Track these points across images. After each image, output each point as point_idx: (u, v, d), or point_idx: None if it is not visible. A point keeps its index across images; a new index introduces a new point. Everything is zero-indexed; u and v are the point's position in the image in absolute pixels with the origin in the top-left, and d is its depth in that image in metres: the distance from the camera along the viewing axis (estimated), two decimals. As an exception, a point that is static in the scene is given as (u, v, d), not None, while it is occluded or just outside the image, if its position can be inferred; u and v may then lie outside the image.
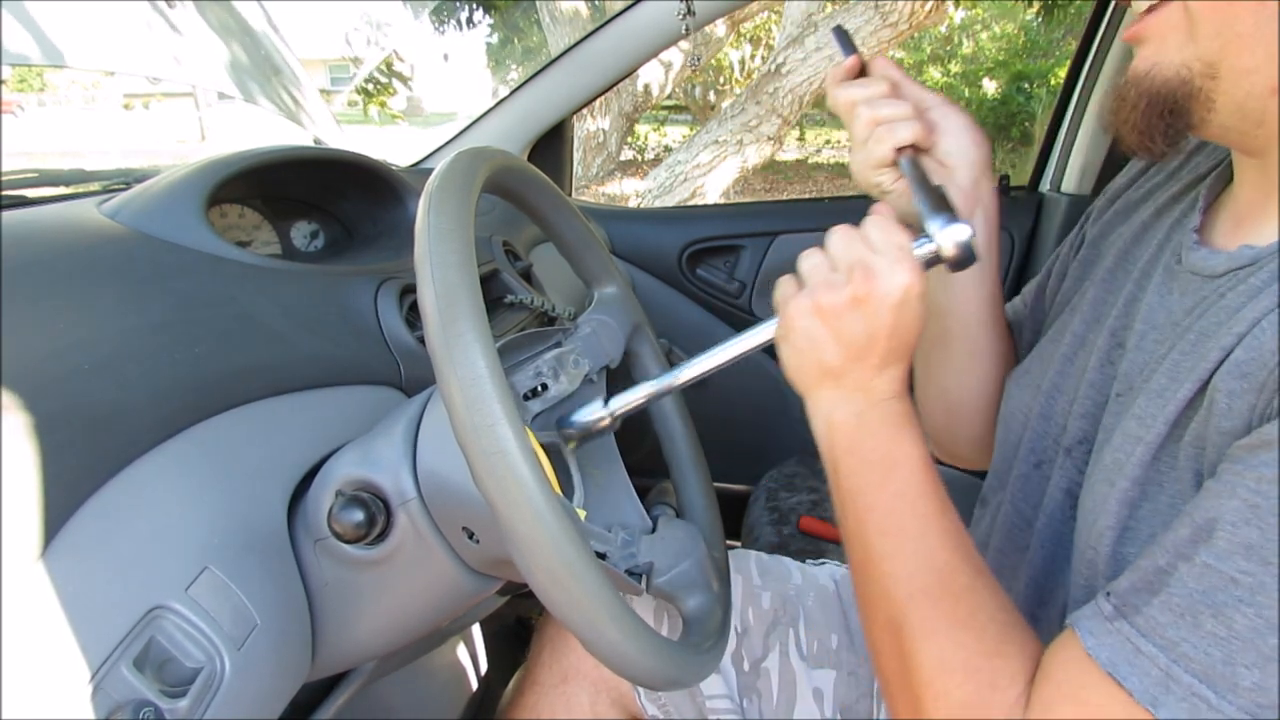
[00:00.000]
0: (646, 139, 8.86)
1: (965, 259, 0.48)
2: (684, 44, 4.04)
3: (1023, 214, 1.40)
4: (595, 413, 0.56)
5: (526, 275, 0.97)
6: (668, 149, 7.88)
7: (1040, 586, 0.54)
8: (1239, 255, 0.43)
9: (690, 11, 1.10)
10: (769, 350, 0.51)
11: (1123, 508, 0.43)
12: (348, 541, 0.48)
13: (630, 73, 1.28)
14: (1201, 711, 0.34)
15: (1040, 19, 6.01)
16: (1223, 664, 0.33)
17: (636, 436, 0.73)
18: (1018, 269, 1.37)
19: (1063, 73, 2.07)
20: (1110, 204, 0.62)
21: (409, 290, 0.73)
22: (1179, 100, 0.43)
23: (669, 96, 6.03)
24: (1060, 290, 0.64)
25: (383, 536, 0.48)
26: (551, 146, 1.37)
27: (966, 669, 0.42)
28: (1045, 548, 0.53)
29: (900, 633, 0.44)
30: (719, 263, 1.44)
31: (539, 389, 0.55)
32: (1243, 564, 0.33)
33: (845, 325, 0.47)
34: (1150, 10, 0.44)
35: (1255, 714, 0.33)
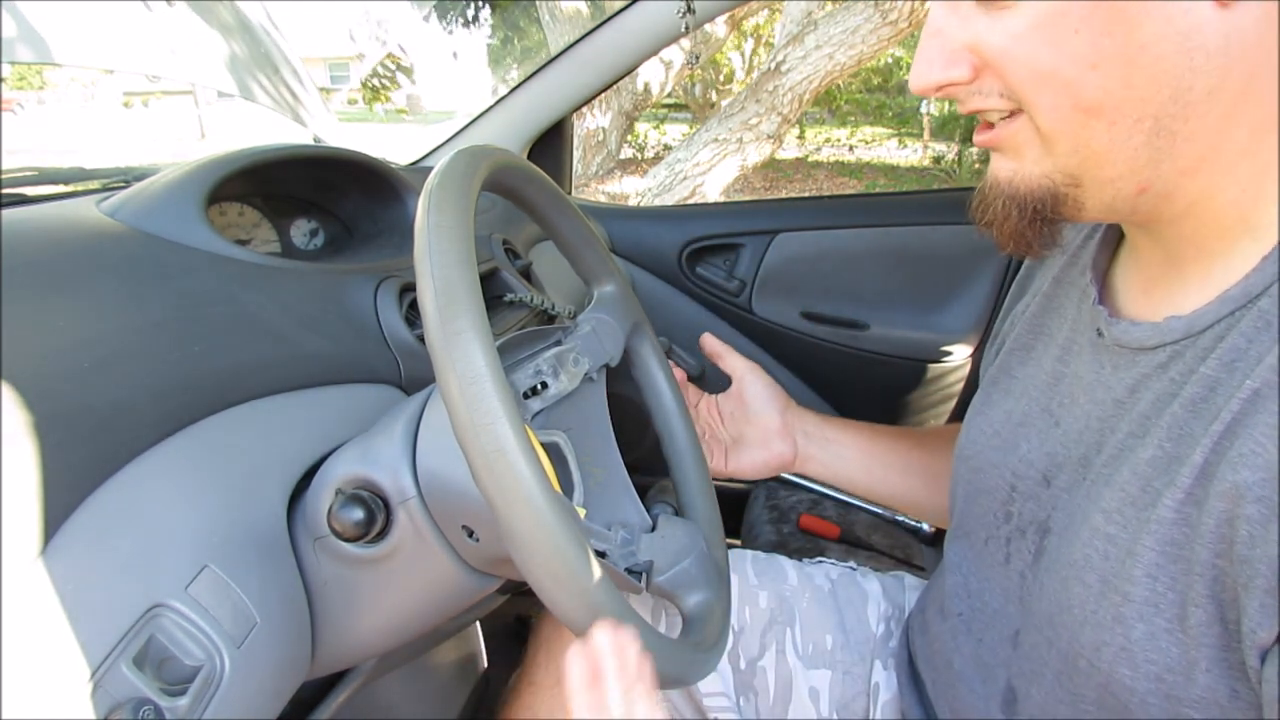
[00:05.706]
0: (646, 137, 8.84)
1: None
2: (684, 42, 4.04)
3: None
4: None
5: (526, 273, 0.97)
6: (667, 147, 7.86)
7: (990, 663, 0.52)
8: (1169, 328, 0.42)
9: (690, 10, 1.09)
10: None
11: (1117, 624, 0.40)
12: (347, 540, 0.48)
13: (630, 71, 1.28)
14: None
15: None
16: None
17: (636, 435, 0.73)
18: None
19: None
20: (1020, 269, 0.63)
21: (409, 288, 0.73)
22: (1046, 206, 0.42)
23: (669, 95, 6.02)
24: (994, 355, 0.62)
25: (382, 535, 0.48)
26: (551, 145, 1.37)
27: None
28: (1007, 625, 0.52)
29: None
30: (719, 261, 1.44)
31: (539, 387, 0.55)
32: None
33: None
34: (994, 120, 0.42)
35: None
